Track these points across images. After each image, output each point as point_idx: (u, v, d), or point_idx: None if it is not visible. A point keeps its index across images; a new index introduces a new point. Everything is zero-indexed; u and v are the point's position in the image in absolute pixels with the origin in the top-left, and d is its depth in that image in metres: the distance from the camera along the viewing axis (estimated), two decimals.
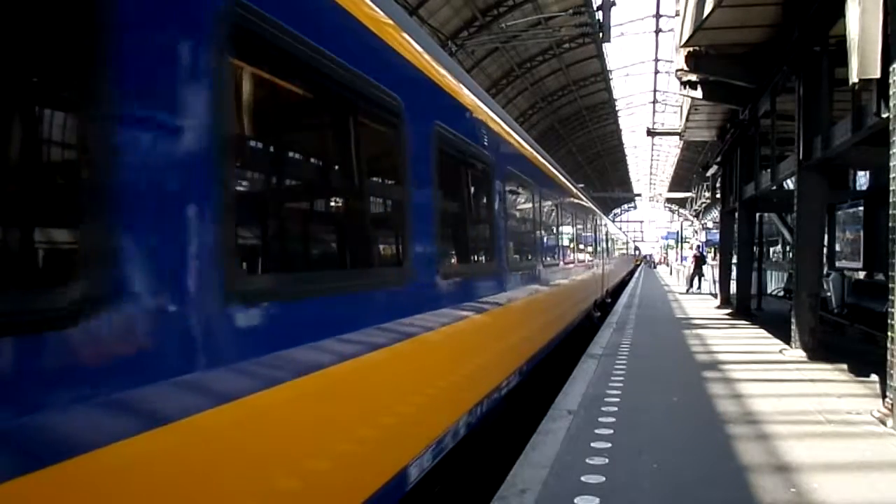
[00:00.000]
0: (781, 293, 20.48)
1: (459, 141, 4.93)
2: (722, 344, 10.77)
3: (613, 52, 46.34)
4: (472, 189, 5.68)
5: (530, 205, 7.92)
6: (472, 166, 5.53)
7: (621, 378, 7.82)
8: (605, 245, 20.11)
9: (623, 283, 29.34)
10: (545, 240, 8.98)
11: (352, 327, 2.97)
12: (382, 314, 3.35)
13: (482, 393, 5.15)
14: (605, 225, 21.17)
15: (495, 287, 5.77)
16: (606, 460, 4.76)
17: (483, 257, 5.78)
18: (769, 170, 12.11)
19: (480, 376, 5.28)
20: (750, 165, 14.53)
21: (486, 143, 5.64)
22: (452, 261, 4.92)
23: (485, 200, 5.88)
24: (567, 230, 11.57)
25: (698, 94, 13.54)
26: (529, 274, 7.44)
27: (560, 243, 10.42)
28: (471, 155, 5.34)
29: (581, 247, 13.80)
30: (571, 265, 11.53)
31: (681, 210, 67.52)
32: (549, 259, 9.01)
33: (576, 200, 13.05)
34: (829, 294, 14.51)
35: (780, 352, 9.78)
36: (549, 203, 9.33)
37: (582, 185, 17.93)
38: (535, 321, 7.95)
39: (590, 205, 16.49)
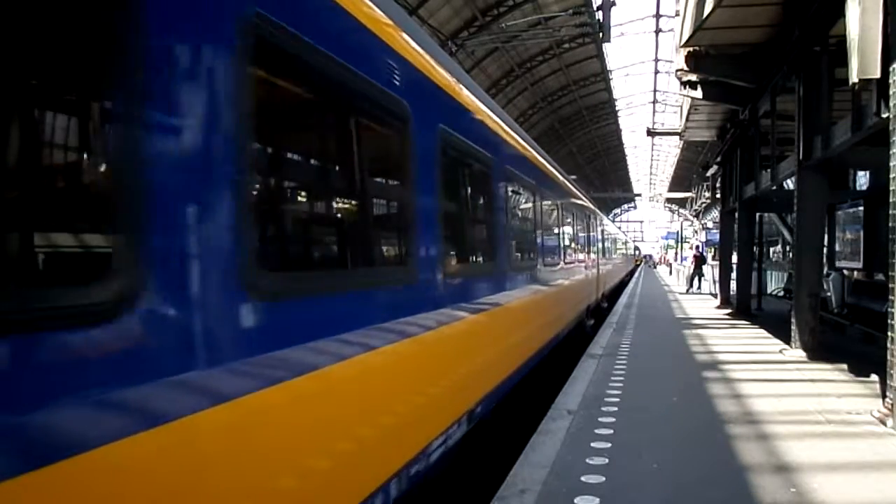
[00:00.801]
0: (781, 293, 20.47)
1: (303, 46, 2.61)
2: (722, 344, 10.77)
3: (613, 52, 46.27)
4: (365, 148, 3.45)
5: (489, 189, 5.99)
6: (362, 114, 3.39)
7: (621, 378, 7.82)
8: (600, 245, 18.26)
9: (622, 284, 29.21)
10: (516, 237, 7.15)
11: None
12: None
13: (383, 476, 3.27)
14: (602, 222, 19.41)
15: (419, 304, 3.91)
16: (606, 460, 4.76)
17: (385, 260, 3.81)
18: (769, 170, 12.11)
19: (386, 440, 3.42)
20: (750, 165, 14.53)
21: (382, 74, 3.40)
22: (303, 265, 2.94)
23: (400, 171, 3.84)
24: (550, 227, 9.71)
25: (698, 94, 13.54)
26: (486, 282, 5.65)
27: (539, 242, 8.38)
28: (345, 89, 3.08)
29: (570, 246, 11.82)
30: (555, 267, 9.53)
31: (681, 210, 67.55)
32: (521, 261, 7.25)
33: (565, 193, 11.26)
34: (829, 294, 14.50)
35: (780, 352, 9.78)
36: (522, 191, 7.53)
37: (574, 177, 16.37)
38: (499, 344, 6.12)
39: (583, 199, 14.79)
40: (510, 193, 6.80)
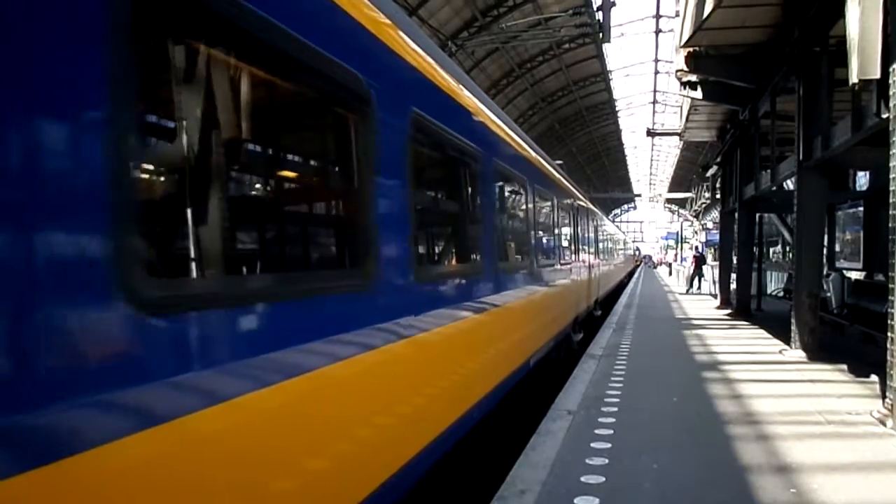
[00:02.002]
0: (781, 293, 20.47)
1: None
2: (722, 344, 10.76)
3: (613, 53, 46.21)
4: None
5: (370, 140, 3.38)
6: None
7: (621, 378, 7.82)
8: (594, 245, 16.41)
9: (621, 286, 28.91)
10: (473, 234, 5.42)
11: None
12: None
13: None
14: (596, 219, 17.63)
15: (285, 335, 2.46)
16: (606, 461, 4.75)
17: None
18: (769, 170, 12.11)
19: None
20: (750, 166, 14.53)
21: None
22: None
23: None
24: (517, 220, 7.61)
25: (698, 94, 13.54)
26: (422, 293, 3.96)
27: (494, 240, 6.02)
28: None
29: (551, 246, 9.67)
30: (523, 273, 7.22)
31: (681, 210, 67.55)
32: (478, 264, 5.35)
33: (543, 179, 8.98)
34: (828, 294, 14.50)
35: (780, 352, 9.77)
36: (462, 162, 5.14)
37: (560, 162, 14.31)
38: (425, 391, 4.08)
39: (574, 192, 12.80)
40: (437, 163, 4.73)
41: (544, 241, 9.26)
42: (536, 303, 7.90)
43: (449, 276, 4.78)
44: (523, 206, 7.67)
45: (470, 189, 5.46)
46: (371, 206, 3.29)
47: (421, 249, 4.18)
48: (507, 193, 7.03)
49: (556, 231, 10.26)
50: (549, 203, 9.51)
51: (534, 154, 8.62)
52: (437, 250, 5.01)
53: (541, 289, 8.16)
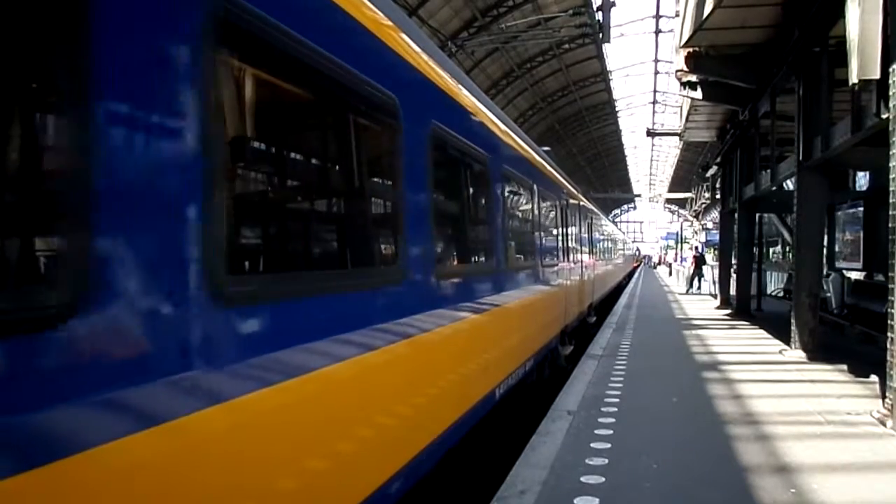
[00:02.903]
0: (781, 293, 20.49)
1: None
2: (722, 344, 10.76)
3: (613, 53, 46.46)
4: None
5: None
6: None
7: (621, 378, 7.82)
8: (590, 244, 15.21)
9: (620, 287, 28.62)
10: (382, 222, 3.76)
11: None
12: None
13: None
14: (592, 216, 16.36)
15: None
16: (606, 461, 4.75)
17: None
18: (769, 170, 12.12)
19: None
20: (750, 166, 14.54)
21: None
22: None
23: None
24: (484, 211, 5.90)
25: (698, 94, 13.55)
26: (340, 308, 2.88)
27: (455, 235, 5.17)
28: None
29: (534, 244, 8.16)
30: (490, 276, 5.75)
31: (681, 210, 67.58)
32: (396, 267, 3.58)
33: (526, 166, 7.75)
34: (828, 294, 14.51)
35: (780, 352, 9.77)
36: (401, 132, 3.63)
37: (548, 148, 12.48)
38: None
39: (563, 183, 11.39)
40: (311, 103, 3.03)
41: (520, 238, 7.65)
42: (506, 317, 6.21)
43: (311, 288, 2.72)
44: (485, 192, 5.92)
45: (384, 154, 3.71)
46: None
47: (252, 243, 2.57)
48: (453, 170, 5.11)
49: (539, 227, 8.56)
50: (527, 192, 7.90)
51: (503, 127, 6.70)
52: (293, 247, 3.04)
53: (513, 298, 6.41)
